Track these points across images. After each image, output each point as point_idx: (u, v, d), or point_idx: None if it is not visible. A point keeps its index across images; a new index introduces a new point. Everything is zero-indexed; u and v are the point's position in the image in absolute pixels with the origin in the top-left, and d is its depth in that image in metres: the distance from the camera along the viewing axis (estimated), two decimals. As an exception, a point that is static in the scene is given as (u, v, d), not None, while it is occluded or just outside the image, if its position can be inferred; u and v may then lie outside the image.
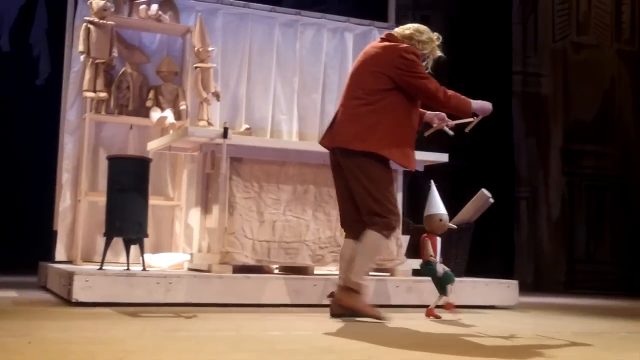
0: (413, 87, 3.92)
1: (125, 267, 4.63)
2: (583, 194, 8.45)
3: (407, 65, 3.91)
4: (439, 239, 4.28)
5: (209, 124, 5.89)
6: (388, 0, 7.03)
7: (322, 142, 4.13)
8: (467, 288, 5.04)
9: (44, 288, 5.37)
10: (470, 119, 4.12)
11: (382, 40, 4.10)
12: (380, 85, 3.91)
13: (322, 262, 4.98)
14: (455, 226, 4.55)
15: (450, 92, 3.97)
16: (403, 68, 3.90)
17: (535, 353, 2.91)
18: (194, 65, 5.93)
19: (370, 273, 5.24)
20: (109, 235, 4.68)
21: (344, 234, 4.18)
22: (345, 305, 3.88)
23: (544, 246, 8.31)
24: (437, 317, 4.18)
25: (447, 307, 4.26)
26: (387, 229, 3.90)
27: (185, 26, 6.09)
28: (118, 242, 4.89)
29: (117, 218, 4.61)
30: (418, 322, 3.97)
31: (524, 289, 6.65)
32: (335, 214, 5.02)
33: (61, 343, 2.70)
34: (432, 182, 4.34)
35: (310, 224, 4.97)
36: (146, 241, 4.83)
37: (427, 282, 4.92)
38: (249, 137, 5.49)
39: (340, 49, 6.78)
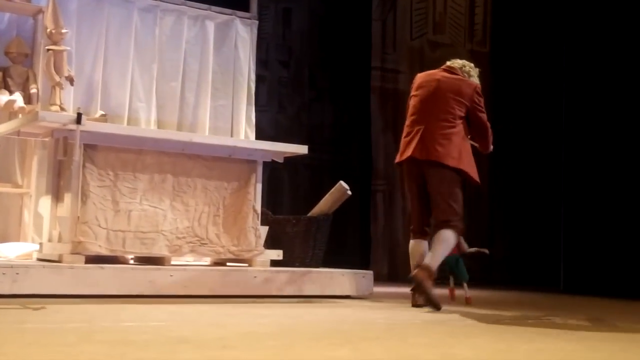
0: (478, 120, 4.80)
1: (-32, 258, 4.38)
2: (436, 187, 8.73)
3: (479, 101, 4.79)
4: None
5: (62, 109, 5.65)
6: (250, -9, 7.00)
7: (413, 154, 4.68)
8: (324, 279, 5.11)
9: None
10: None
11: (450, 71, 4.86)
12: (461, 113, 4.72)
13: (179, 253, 4.90)
14: None
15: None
16: (477, 103, 4.77)
17: (386, 339, 2.98)
18: (46, 48, 5.67)
19: (228, 264, 5.23)
20: (-50, 224, 4.41)
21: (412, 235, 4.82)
22: (423, 283, 4.43)
23: (399, 238, 8.54)
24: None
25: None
26: (460, 228, 4.68)
27: (37, 6, 5.81)
28: (-40, 231, 4.61)
29: (-40, 205, 4.35)
30: (275, 312, 3.99)
31: (380, 280, 6.83)
32: (193, 203, 4.98)
33: None
34: None
35: (168, 213, 4.88)
36: (-9, 230, 4.59)
37: (284, 273, 4.96)
38: (104, 123, 5.32)
39: (201, 37, 6.68)
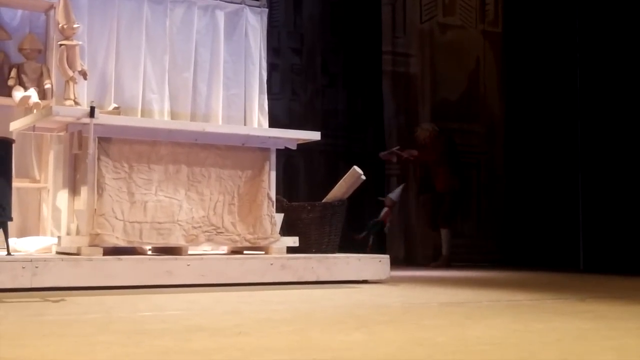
0: None
1: (-12, 253, 4.44)
2: (451, 170, 8.70)
3: None
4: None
5: (76, 103, 5.69)
6: (260, -21, 7.00)
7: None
8: (341, 264, 5.13)
9: None
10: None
11: None
12: None
13: (195, 242, 4.94)
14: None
15: None
16: None
17: (401, 322, 3.00)
18: (59, 43, 5.71)
19: (245, 252, 5.26)
20: (-31, 220, 4.46)
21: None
22: None
23: (412, 222, 8.55)
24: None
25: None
26: None
27: (49, 2, 5.84)
28: (-20, 227, 4.66)
29: (-22, 202, 4.40)
30: (291, 298, 4.01)
31: (396, 264, 6.84)
32: (208, 193, 5.01)
33: None
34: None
35: (183, 203, 4.91)
36: (11, 225, 4.64)
37: (300, 259, 4.99)
38: (117, 116, 5.36)
39: (212, 27, 6.69)
